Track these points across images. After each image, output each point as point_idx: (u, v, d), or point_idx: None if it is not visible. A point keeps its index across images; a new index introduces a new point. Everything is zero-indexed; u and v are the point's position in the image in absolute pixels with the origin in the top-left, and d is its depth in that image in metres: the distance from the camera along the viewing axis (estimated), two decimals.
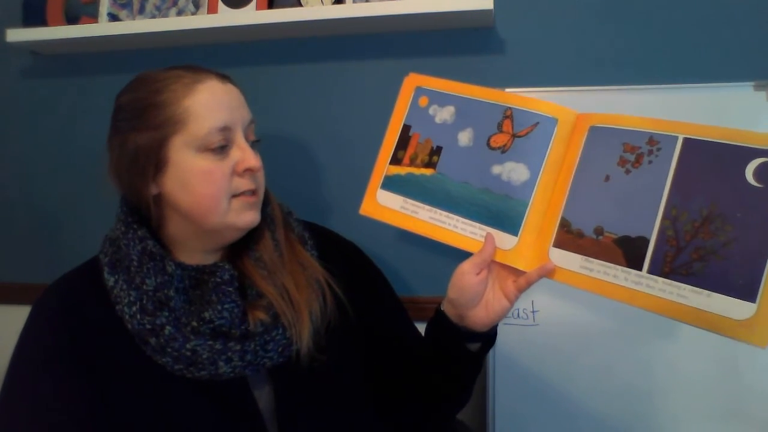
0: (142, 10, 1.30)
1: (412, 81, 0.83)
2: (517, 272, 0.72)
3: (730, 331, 0.59)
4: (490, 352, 1.07)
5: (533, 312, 1.08)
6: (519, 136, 0.75)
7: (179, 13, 1.28)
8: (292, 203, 0.89)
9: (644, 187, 0.67)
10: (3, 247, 1.46)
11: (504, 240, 0.73)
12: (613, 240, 0.67)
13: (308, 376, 0.76)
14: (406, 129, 0.82)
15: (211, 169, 0.73)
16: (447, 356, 0.78)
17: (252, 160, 0.75)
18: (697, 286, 0.61)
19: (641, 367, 1.03)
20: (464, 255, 0.74)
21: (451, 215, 0.76)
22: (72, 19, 1.34)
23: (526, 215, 0.73)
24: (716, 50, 1.12)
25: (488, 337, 0.78)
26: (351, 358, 0.83)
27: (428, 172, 0.79)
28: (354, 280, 0.86)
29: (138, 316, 0.72)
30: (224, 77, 0.78)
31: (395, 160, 0.81)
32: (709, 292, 0.61)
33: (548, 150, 0.73)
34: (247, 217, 0.76)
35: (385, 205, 0.80)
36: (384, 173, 0.81)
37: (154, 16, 1.29)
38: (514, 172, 0.74)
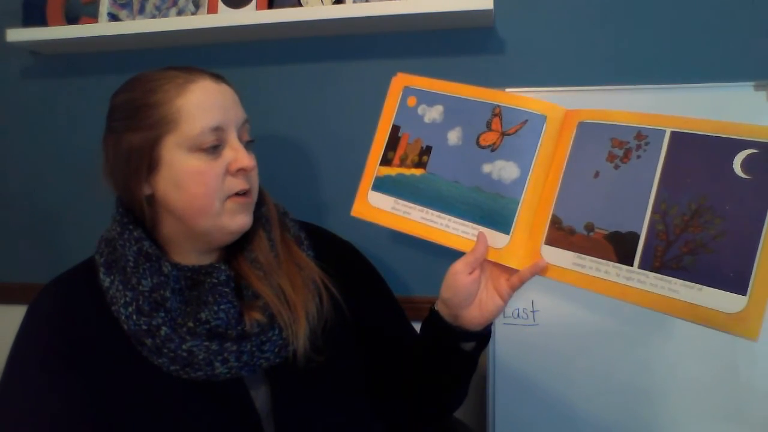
0: (142, 10, 1.30)
1: (400, 81, 0.83)
2: (509, 271, 0.73)
3: (721, 325, 0.59)
4: (490, 352, 1.08)
5: (533, 312, 1.08)
6: (508, 134, 0.75)
7: (179, 13, 1.28)
8: (289, 203, 0.89)
9: (633, 181, 0.67)
10: (3, 247, 1.46)
11: (496, 239, 0.73)
12: (604, 236, 0.67)
13: (305, 376, 0.77)
14: (395, 129, 0.81)
15: (203, 169, 0.73)
16: (442, 356, 0.78)
17: (245, 160, 0.74)
18: (687, 280, 0.61)
19: (641, 367, 1.02)
20: (459, 254, 0.74)
21: (442, 215, 0.76)
22: (72, 19, 1.34)
23: (517, 213, 0.73)
24: (716, 50, 1.12)
25: (482, 336, 0.78)
26: (347, 357, 0.83)
27: (418, 172, 0.78)
28: (350, 280, 0.86)
29: (134, 317, 0.72)
30: (218, 77, 0.78)
31: (385, 161, 0.81)
32: (700, 285, 0.61)
33: (538, 147, 0.73)
34: (240, 220, 0.76)
35: (376, 207, 0.80)
36: (374, 174, 0.81)
37: (154, 16, 1.29)
38: (504, 170, 0.74)
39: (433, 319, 0.78)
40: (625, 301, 0.65)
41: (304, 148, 1.30)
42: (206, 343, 0.71)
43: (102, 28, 1.27)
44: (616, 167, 0.68)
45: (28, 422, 0.70)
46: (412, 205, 0.78)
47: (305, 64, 1.29)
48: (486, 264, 0.74)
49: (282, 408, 0.76)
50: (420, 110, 0.81)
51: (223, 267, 0.76)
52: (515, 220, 0.73)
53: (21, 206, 1.45)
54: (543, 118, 0.74)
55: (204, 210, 0.74)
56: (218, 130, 0.73)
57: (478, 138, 0.77)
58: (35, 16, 1.33)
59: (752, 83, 1.02)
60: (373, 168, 0.81)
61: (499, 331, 1.08)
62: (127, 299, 0.73)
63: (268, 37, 1.29)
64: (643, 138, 0.67)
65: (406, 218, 0.78)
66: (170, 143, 0.73)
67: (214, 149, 0.73)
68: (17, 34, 1.30)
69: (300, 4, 1.22)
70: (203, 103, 0.73)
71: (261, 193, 0.82)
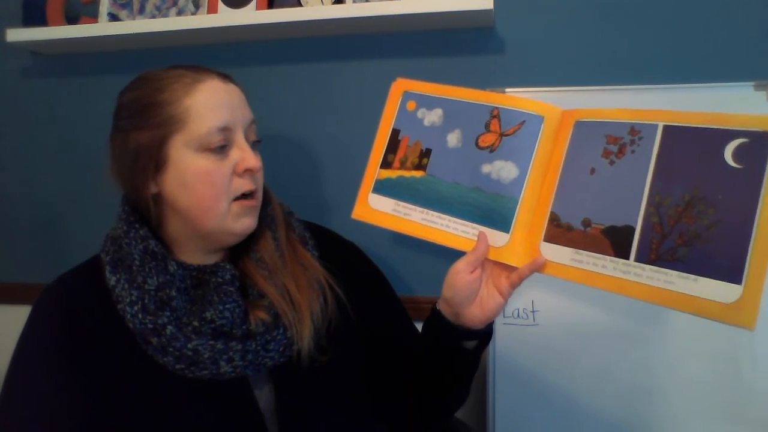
0: (142, 10, 1.30)
1: (400, 86, 0.84)
2: (510, 269, 0.73)
3: (718, 315, 0.59)
4: (490, 352, 1.08)
5: (533, 312, 1.08)
6: (507, 135, 0.76)
7: (179, 13, 1.28)
8: (291, 203, 0.89)
9: (628, 176, 0.68)
10: (3, 247, 1.46)
11: (496, 237, 0.74)
12: (601, 231, 0.68)
13: (309, 375, 0.77)
14: (395, 133, 0.82)
15: (210, 169, 0.73)
16: (444, 355, 0.78)
17: (252, 160, 0.74)
18: (683, 271, 0.62)
19: (641, 367, 1.02)
20: (461, 254, 0.75)
21: (443, 216, 0.77)
22: (72, 19, 1.34)
23: (516, 212, 0.74)
24: (716, 50, 1.12)
25: (484, 334, 0.78)
26: (351, 357, 0.84)
27: (418, 174, 0.79)
28: (354, 281, 0.86)
29: (139, 316, 0.72)
30: (225, 77, 0.78)
31: (385, 164, 0.81)
32: (696, 276, 0.61)
33: (536, 147, 0.75)
34: (245, 222, 0.76)
35: (377, 209, 0.81)
36: (375, 177, 0.82)
37: (154, 16, 1.29)
38: (503, 170, 0.75)
39: (434, 318, 0.78)
40: (622, 295, 0.65)
41: (304, 148, 1.30)
42: (211, 342, 0.71)
43: (102, 28, 1.27)
44: (611, 163, 0.69)
45: (32, 421, 0.70)
46: (413, 206, 0.79)
47: (305, 64, 1.29)
48: (486, 263, 0.75)
49: (285, 407, 0.76)
50: (419, 114, 0.81)
51: (228, 266, 0.76)
52: (515, 218, 0.74)
53: (21, 206, 1.44)
54: (540, 119, 0.75)
55: (210, 211, 0.74)
56: (226, 130, 0.73)
57: (477, 139, 0.78)
58: (35, 16, 1.33)
59: (752, 83, 1.02)
60: (373, 171, 0.82)
61: (500, 331, 1.08)
62: (133, 298, 0.73)
63: (268, 37, 1.29)
64: (636, 133, 0.69)
65: (406, 220, 0.79)
66: (178, 142, 0.73)
67: (221, 149, 0.73)
68: (17, 34, 1.30)
69: (300, 4, 1.22)
70: (211, 103, 0.73)
71: (266, 193, 0.82)
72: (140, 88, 0.76)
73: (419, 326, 0.84)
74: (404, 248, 1.24)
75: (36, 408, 0.70)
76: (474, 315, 0.74)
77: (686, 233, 0.62)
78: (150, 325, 0.71)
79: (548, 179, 0.73)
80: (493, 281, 0.74)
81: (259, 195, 0.78)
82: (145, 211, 0.77)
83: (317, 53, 1.28)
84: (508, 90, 1.10)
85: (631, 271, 0.65)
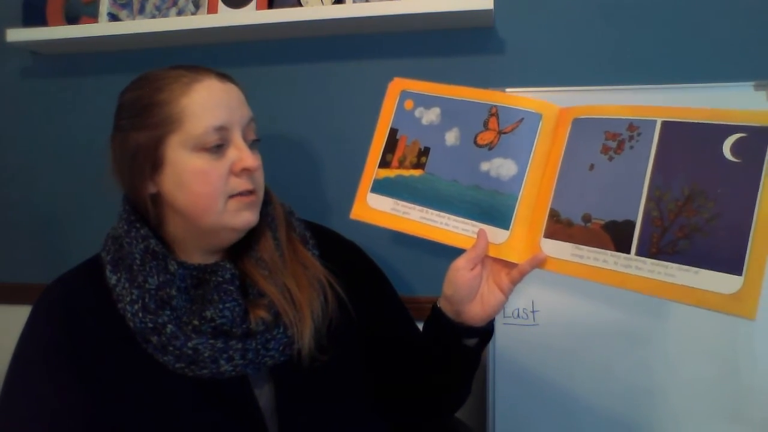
0: (142, 10, 1.30)
1: (397, 85, 0.84)
2: (510, 265, 0.74)
3: (719, 306, 0.60)
4: (490, 352, 1.08)
5: (533, 312, 1.08)
6: (505, 133, 0.76)
7: (179, 13, 1.28)
8: (291, 203, 0.89)
9: (627, 171, 0.68)
10: (3, 247, 1.46)
11: (496, 234, 0.74)
12: (601, 226, 0.68)
13: (309, 374, 0.77)
14: (393, 132, 0.82)
15: (206, 168, 0.73)
16: (446, 353, 0.78)
17: (249, 160, 0.74)
18: (684, 264, 0.62)
19: (641, 367, 1.02)
20: (461, 253, 0.75)
21: (442, 214, 0.77)
22: (72, 19, 1.34)
23: (516, 209, 0.74)
24: (716, 50, 1.12)
25: (485, 331, 0.78)
26: (352, 357, 0.84)
27: (417, 173, 0.79)
28: (355, 280, 0.86)
29: (140, 315, 0.72)
30: (224, 76, 0.77)
31: (384, 164, 0.82)
32: (697, 268, 0.62)
33: (534, 144, 0.75)
34: (244, 217, 0.76)
35: (375, 208, 0.81)
36: (373, 177, 0.82)
37: (154, 16, 1.29)
38: (502, 167, 0.76)
39: (435, 316, 0.78)
40: (624, 289, 0.66)
41: (304, 148, 1.30)
42: (211, 341, 0.71)
43: (102, 28, 1.27)
44: (611, 159, 0.70)
45: (32, 421, 0.70)
46: (412, 205, 0.79)
47: (305, 64, 1.29)
48: (486, 260, 0.75)
49: (286, 407, 0.76)
50: (417, 113, 0.82)
51: (228, 265, 0.76)
52: (514, 215, 0.74)
53: (21, 206, 1.44)
54: (539, 116, 0.75)
55: (207, 209, 0.74)
56: (222, 129, 0.73)
57: (475, 137, 0.78)
58: (35, 16, 1.33)
59: (752, 83, 1.02)
60: (371, 171, 0.82)
61: (500, 331, 1.08)
62: (133, 297, 0.73)
63: (268, 37, 1.29)
64: (635, 129, 0.69)
65: (405, 218, 0.79)
66: (174, 142, 0.73)
67: (218, 149, 0.73)
68: (17, 34, 1.30)
69: (300, 4, 1.22)
70: (207, 103, 0.73)
71: (267, 193, 0.82)
72: (140, 89, 0.76)
73: (420, 326, 0.84)
74: (405, 248, 1.24)
75: (36, 408, 0.70)
76: (475, 312, 0.74)
77: (686, 226, 0.63)
78: (150, 324, 0.71)
79: (547, 176, 0.73)
80: (493, 278, 0.75)
81: (260, 192, 0.78)
82: (144, 211, 0.77)
83: (317, 53, 1.28)
84: (508, 90, 1.10)
85: (632, 264, 0.65)
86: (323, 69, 1.29)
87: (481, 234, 0.74)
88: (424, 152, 0.80)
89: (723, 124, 0.64)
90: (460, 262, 0.73)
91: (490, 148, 0.77)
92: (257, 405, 0.75)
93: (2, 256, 1.46)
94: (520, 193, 0.74)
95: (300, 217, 0.89)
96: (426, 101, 0.82)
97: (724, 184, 0.62)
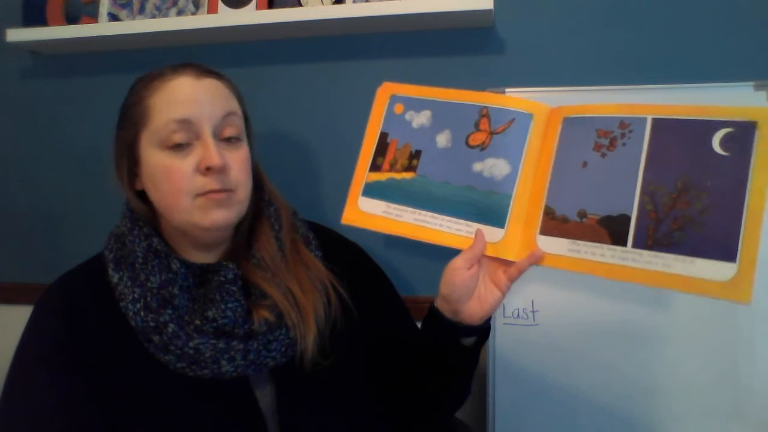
0: (142, 10, 1.30)
1: (387, 90, 0.84)
2: (506, 263, 0.74)
3: (716, 293, 0.62)
4: (490, 352, 1.08)
5: (533, 312, 1.08)
6: (496, 133, 0.77)
7: (179, 13, 1.28)
8: (291, 203, 0.89)
9: (621, 167, 0.70)
10: (3, 247, 1.46)
11: (492, 233, 0.75)
12: (597, 221, 0.70)
13: (310, 376, 0.77)
14: (383, 136, 0.82)
15: (170, 166, 0.72)
16: (444, 353, 0.79)
17: (213, 158, 0.71)
18: (680, 254, 0.65)
19: (641, 367, 1.02)
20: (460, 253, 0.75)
21: (435, 215, 0.77)
22: (72, 19, 1.34)
23: (510, 207, 0.74)
24: (716, 50, 1.12)
25: (483, 330, 0.78)
26: (353, 358, 0.84)
27: (409, 175, 0.79)
28: (358, 281, 0.86)
29: (142, 314, 0.72)
30: (205, 72, 0.76)
31: (374, 168, 0.81)
32: (692, 258, 0.64)
33: (526, 144, 0.76)
34: (213, 216, 0.73)
35: (367, 212, 0.80)
36: (364, 181, 0.81)
37: (154, 16, 1.29)
38: (495, 167, 0.76)
39: (433, 316, 0.78)
40: (622, 281, 0.67)
41: (304, 148, 1.30)
42: (213, 341, 0.71)
43: (102, 28, 1.27)
44: (603, 156, 0.71)
45: (34, 420, 0.70)
46: (404, 207, 0.79)
47: (305, 64, 1.29)
48: (483, 258, 0.75)
49: (286, 408, 0.76)
50: (408, 116, 0.82)
51: (230, 265, 0.76)
52: (509, 214, 0.74)
53: (21, 206, 1.44)
54: (530, 116, 0.76)
55: (174, 207, 0.73)
56: (185, 122, 0.72)
57: (467, 139, 0.78)
58: (35, 16, 1.33)
59: (752, 83, 1.02)
60: (362, 175, 0.82)
61: (500, 331, 1.08)
62: (136, 295, 0.73)
63: (268, 37, 1.29)
64: (626, 126, 0.71)
65: (398, 221, 0.79)
66: (144, 140, 0.74)
67: (181, 146, 0.72)
68: (17, 34, 1.30)
69: (300, 4, 1.22)
70: (171, 98, 0.73)
71: (271, 193, 0.82)
72: (131, 89, 0.78)
73: (419, 326, 0.84)
74: (405, 247, 1.24)
75: (37, 407, 0.70)
76: (473, 311, 0.74)
77: (681, 218, 0.65)
78: (152, 323, 0.71)
79: (540, 174, 0.74)
80: (490, 276, 0.75)
81: (240, 190, 0.75)
82: (138, 209, 0.78)
83: (317, 53, 1.28)
84: (508, 90, 1.10)
85: (630, 257, 0.67)
86: (323, 69, 1.29)
87: (478, 234, 0.74)
88: (416, 155, 0.80)
89: (711, 120, 0.66)
90: (458, 262, 0.74)
91: (482, 149, 0.77)
92: (258, 406, 0.75)
93: (2, 256, 1.46)
94: (514, 191, 0.75)
95: (303, 218, 0.89)
96: (416, 104, 0.82)
97: (715, 176, 0.65)
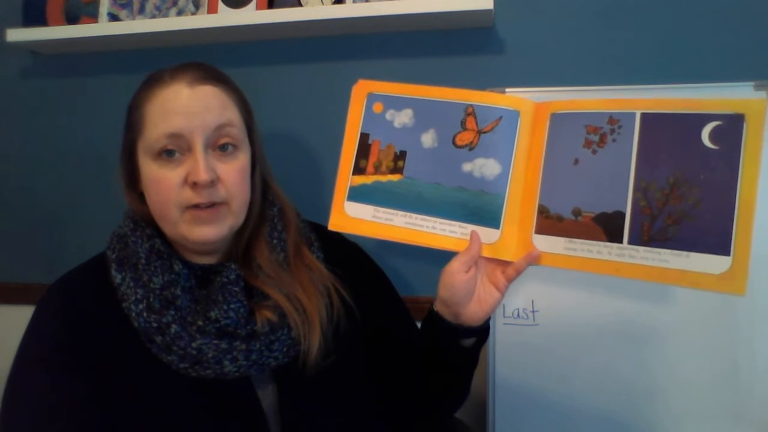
0: (142, 10, 1.30)
1: (362, 88, 0.81)
2: (503, 263, 0.74)
3: (711, 286, 0.64)
4: (490, 351, 1.08)
5: (533, 312, 1.08)
6: (485, 132, 0.76)
7: (179, 13, 1.28)
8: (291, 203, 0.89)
9: (612, 164, 0.70)
10: (3, 247, 1.46)
11: (487, 234, 0.74)
12: (592, 218, 0.70)
13: (312, 376, 0.77)
14: (364, 137, 0.79)
15: (158, 177, 0.72)
16: (444, 354, 0.79)
17: (199, 174, 0.70)
18: (675, 249, 0.66)
19: (641, 367, 1.02)
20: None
21: (427, 218, 0.76)
22: (72, 19, 1.34)
23: (504, 207, 0.74)
24: (716, 50, 1.12)
25: (482, 331, 0.78)
26: (355, 359, 0.84)
27: (395, 177, 0.77)
28: (359, 282, 0.86)
29: (144, 314, 0.72)
30: (200, 79, 0.74)
31: (358, 170, 0.79)
32: (687, 252, 0.65)
33: (515, 142, 0.75)
34: (198, 232, 0.73)
35: (355, 217, 0.78)
36: (348, 185, 0.79)
37: (154, 16, 1.29)
38: (485, 167, 0.75)
39: (433, 319, 0.78)
40: (620, 277, 0.68)
41: (304, 148, 1.30)
42: (215, 342, 0.71)
43: (102, 28, 1.28)
44: (594, 152, 0.71)
45: (35, 420, 0.70)
46: (394, 211, 0.77)
47: (305, 64, 1.29)
48: (480, 260, 0.75)
49: (288, 408, 0.76)
50: (388, 116, 0.79)
51: (233, 266, 0.76)
52: (503, 214, 0.74)
53: (21, 206, 1.44)
54: (516, 113, 0.75)
55: (164, 217, 0.74)
56: (176, 137, 0.71)
57: (454, 138, 0.77)
58: (35, 16, 1.33)
59: (752, 83, 1.02)
60: (345, 179, 0.79)
61: (499, 332, 1.08)
62: (138, 296, 0.73)
63: (268, 37, 1.29)
64: (615, 122, 0.71)
65: (389, 225, 0.77)
66: (140, 148, 0.74)
67: (170, 157, 0.71)
68: (17, 34, 1.30)
69: (300, 4, 1.22)
70: (163, 109, 0.72)
71: (275, 193, 0.82)
72: (136, 91, 0.78)
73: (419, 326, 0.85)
74: (404, 248, 1.23)
75: (39, 407, 0.70)
76: (473, 312, 0.74)
77: (674, 213, 0.66)
78: (154, 324, 0.71)
79: (531, 172, 0.74)
80: (488, 277, 0.75)
81: (232, 203, 0.74)
82: (138, 212, 0.78)
83: (317, 53, 1.28)
84: (508, 90, 1.10)
85: (626, 253, 0.68)
86: (323, 69, 1.29)
87: (474, 236, 0.73)
88: (401, 156, 0.78)
89: (699, 113, 0.67)
90: (455, 266, 0.73)
91: (470, 149, 0.76)
92: (260, 406, 0.75)
93: (2, 256, 1.46)
94: (507, 191, 0.74)
95: (305, 219, 0.89)
96: (396, 103, 0.79)
97: (706, 170, 0.65)
